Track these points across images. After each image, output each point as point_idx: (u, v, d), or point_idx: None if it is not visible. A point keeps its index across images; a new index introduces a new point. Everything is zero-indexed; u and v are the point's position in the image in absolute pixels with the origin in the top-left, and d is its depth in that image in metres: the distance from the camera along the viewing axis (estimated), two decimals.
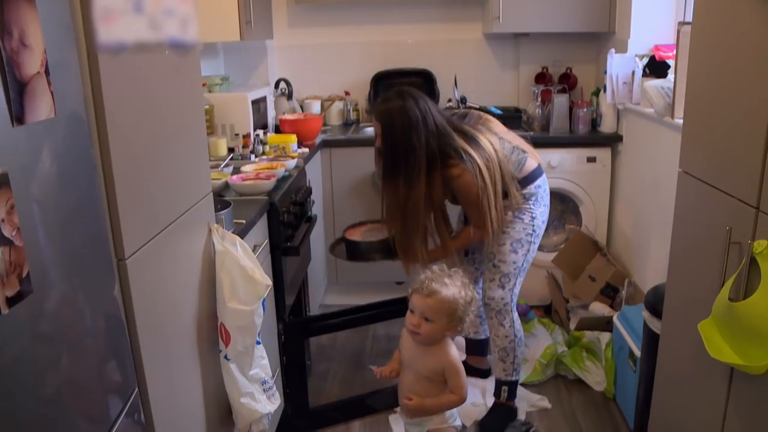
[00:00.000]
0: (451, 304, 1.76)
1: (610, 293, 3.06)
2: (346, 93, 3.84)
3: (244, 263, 1.52)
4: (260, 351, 1.64)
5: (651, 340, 2.01)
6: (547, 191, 2.45)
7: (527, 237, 2.38)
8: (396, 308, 2.46)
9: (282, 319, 2.28)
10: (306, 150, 2.95)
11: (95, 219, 1.04)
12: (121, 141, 1.12)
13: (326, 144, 3.34)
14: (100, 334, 1.04)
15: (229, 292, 1.51)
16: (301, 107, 3.71)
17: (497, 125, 2.43)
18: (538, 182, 2.38)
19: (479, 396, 2.68)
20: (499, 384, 2.52)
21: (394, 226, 2.34)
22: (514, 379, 2.51)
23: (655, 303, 1.99)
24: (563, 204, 3.43)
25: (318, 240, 3.20)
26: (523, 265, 2.42)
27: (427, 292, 1.76)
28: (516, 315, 2.48)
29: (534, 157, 2.41)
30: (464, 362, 2.85)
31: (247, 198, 2.17)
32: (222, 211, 1.69)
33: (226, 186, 2.24)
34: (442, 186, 2.24)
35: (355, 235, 2.59)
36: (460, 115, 2.44)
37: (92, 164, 1.02)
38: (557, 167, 3.25)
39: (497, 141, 2.31)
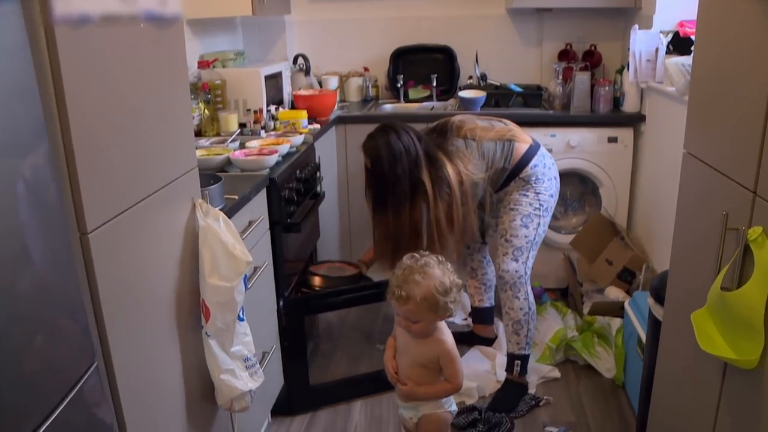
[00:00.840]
0: (429, 301, 1.73)
1: (627, 278, 2.97)
2: (365, 69, 3.79)
3: (225, 239, 1.51)
4: (243, 328, 1.63)
5: (655, 328, 1.94)
6: (549, 165, 2.45)
7: (535, 211, 2.39)
8: None
9: (282, 295, 2.27)
10: (317, 126, 2.92)
11: (53, 193, 1.03)
12: (83, 114, 1.11)
13: (341, 120, 3.31)
14: (57, 307, 1.04)
15: (210, 267, 1.50)
16: (320, 83, 3.68)
17: (474, 126, 2.41)
18: (532, 163, 2.39)
19: (487, 364, 2.71)
20: (512, 358, 2.51)
21: (386, 255, 2.41)
22: (527, 352, 2.51)
23: (659, 289, 1.91)
24: (583, 185, 3.34)
25: (330, 217, 3.18)
26: (535, 238, 2.42)
27: (401, 299, 1.74)
28: (530, 288, 2.48)
29: (522, 140, 2.42)
30: (470, 331, 2.84)
31: (248, 173, 2.16)
32: (209, 187, 1.68)
33: (228, 162, 2.23)
34: (438, 192, 2.31)
35: (319, 272, 2.69)
36: (439, 129, 2.43)
37: (45, 136, 1.01)
38: (577, 147, 3.16)
39: (464, 165, 2.31)
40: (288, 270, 2.35)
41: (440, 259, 1.84)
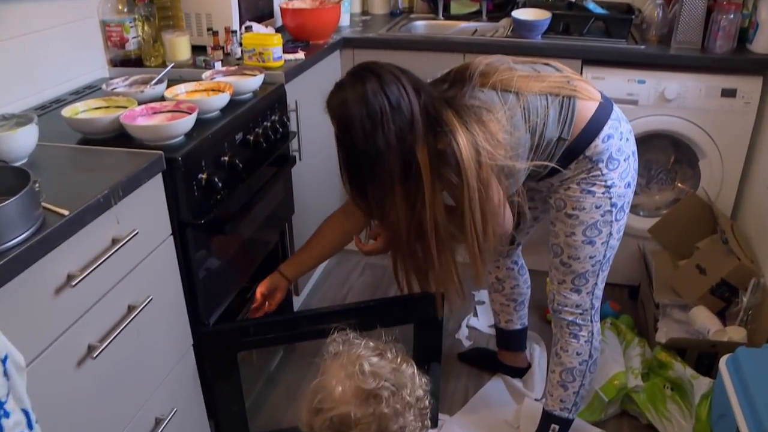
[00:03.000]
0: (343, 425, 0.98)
1: (724, 294, 2.10)
2: None
3: None
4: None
5: None
6: (626, 135, 1.52)
7: (605, 216, 1.52)
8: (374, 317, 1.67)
9: (200, 328, 1.55)
10: (299, 57, 2.08)
11: None
12: None
13: (347, 44, 2.45)
14: None
15: None
16: None
17: (510, 72, 1.45)
18: (604, 133, 1.47)
19: (510, 407, 2.00)
20: (548, 419, 1.77)
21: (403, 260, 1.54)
22: (571, 417, 1.75)
23: None
24: (677, 151, 2.40)
25: (319, 185, 2.39)
26: (605, 255, 1.58)
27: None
28: (598, 327, 1.69)
29: (587, 95, 1.47)
30: (496, 359, 2.10)
31: (144, 150, 1.39)
32: None
33: (121, 128, 1.46)
34: (438, 179, 1.38)
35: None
36: (453, 78, 1.48)
37: None
38: (675, 101, 2.21)
39: (487, 134, 1.36)
40: (217, 288, 1.62)
41: (389, 350, 1.09)
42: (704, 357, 1.98)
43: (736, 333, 1.95)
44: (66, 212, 1.10)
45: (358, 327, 1.14)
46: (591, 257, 1.56)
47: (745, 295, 2.01)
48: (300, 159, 2.07)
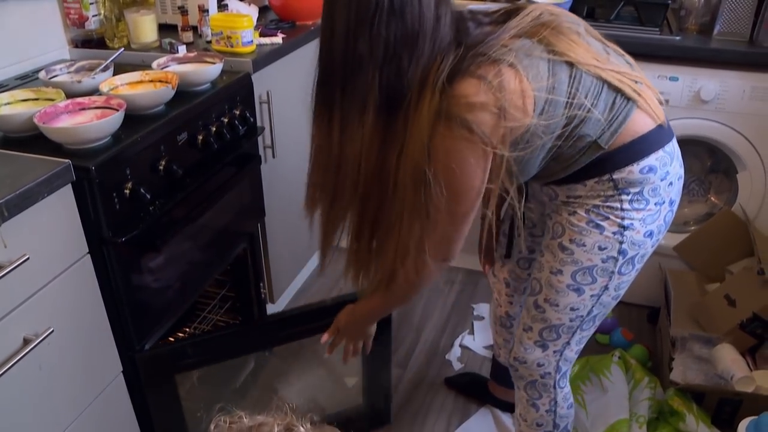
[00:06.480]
0: None
1: (756, 331, 1.82)
2: None
3: None
4: None
5: None
6: (673, 177, 1.18)
7: (606, 264, 1.19)
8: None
9: (130, 353, 1.36)
10: (277, 41, 1.84)
11: None
12: None
13: None
14: None
15: None
16: None
17: (572, 38, 1.11)
18: (649, 163, 1.14)
19: None
20: None
21: (323, 200, 1.18)
22: None
23: None
24: (712, 159, 2.10)
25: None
26: (591, 312, 1.25)
27: None
28: (563, 393, 1.39)
29: (648, 109, 1.14)
30: (487, 390, 1.88)
31: (72, 150, 1.20)
32: None
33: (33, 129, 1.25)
34: (425, 134, 1.01)
35: None
36: (502, 14, 1.17)
37: None
38: (712, 102, 1.90)
39: (513, 92, 1.03)
40: (156, 307, 1.43)
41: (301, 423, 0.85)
42: (726, 404, 1.71)
43: (766, 381, 1.67)
44: None
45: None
46: (572, 309, 1.24)
47: None
48: (274, 156, 1.85)
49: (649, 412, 1.71)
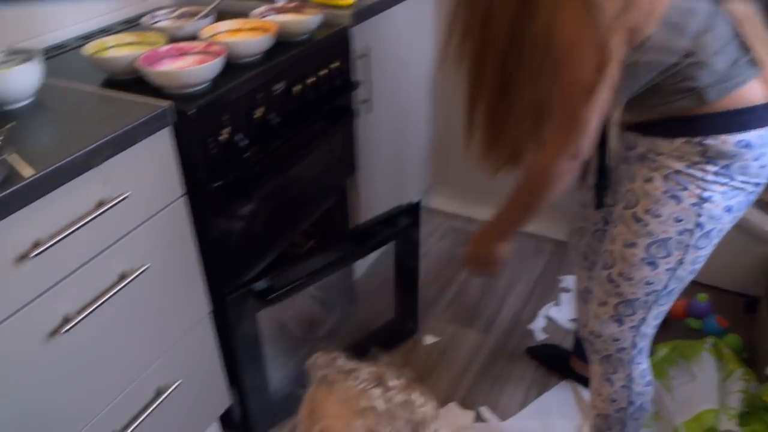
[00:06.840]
0: None
1: None
2: None
3: None
4: None
5: None
6: None
7: (682, 236, 1.12)
8: None
9: (221, 291, 1.41)
10: None
11: None
12: None
13: None
14: None
15: None
16: None
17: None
18: (749, 136, 1.05)
19: (574, 421, 1.72)
20: None
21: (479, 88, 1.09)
22: None
23: None
24: None
25: (397, 146, 2.14)
26: (667, 287, 1.19)
27: None
28: (639, 370, 1.33)
29: (765, 83, 1.06)
30: (568, 364, 1.84)
31: (171, 93, 1.23)
32: None
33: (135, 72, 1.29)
34: None
35: None
36: None
37: None
38: None
39: None
40: (247, 252, 1.46)
41: (388, 376, 0.87)
42: None
43: None
44: (29, 172, 0.96)
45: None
46: (648, 283, 1.18)
47: None
48: (370, 111, 1.84)
49: (741, 405, 1.61)
